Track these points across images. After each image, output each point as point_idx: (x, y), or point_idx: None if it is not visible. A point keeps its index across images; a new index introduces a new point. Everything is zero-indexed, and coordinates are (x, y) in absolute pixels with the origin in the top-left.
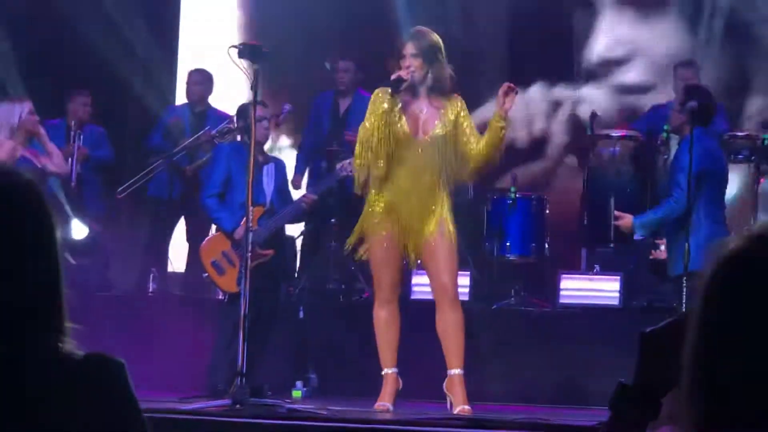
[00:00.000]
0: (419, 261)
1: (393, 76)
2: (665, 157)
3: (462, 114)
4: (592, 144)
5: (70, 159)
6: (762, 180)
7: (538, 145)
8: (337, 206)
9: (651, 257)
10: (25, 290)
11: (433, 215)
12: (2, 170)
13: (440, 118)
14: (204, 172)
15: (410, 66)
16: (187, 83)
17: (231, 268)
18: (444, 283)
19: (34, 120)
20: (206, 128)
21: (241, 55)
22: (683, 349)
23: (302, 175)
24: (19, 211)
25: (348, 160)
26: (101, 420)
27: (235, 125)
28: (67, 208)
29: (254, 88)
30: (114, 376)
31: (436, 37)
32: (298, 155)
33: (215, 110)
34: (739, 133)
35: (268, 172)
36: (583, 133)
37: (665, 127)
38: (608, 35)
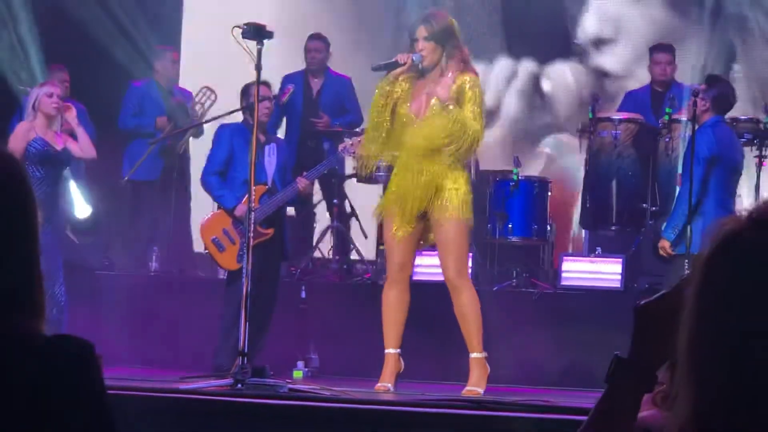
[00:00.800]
0: (421, 242)
1: (393, 59)
2: (666, 139)
3: (468, 87)
4: (593, 127)
5: None
6: (765, 163)
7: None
8: (339, 186)
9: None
10: (3, 270)
11: (440, 194)
12: None
13: (444, 92)
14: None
15: (423, 50)
16: (159, 61)
17: (231, 245)
18: (447, 266)
19: (50, 103)
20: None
21: (245, 35)
22: (677, 321)
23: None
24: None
25: (350, 141)
26: (67, 402)
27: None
28: (73, 188)
29: (258, 68)
30: (81, 359)
31: (449, 20)
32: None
33: (180, 88)
34: (742, 117)
35: (269, 151)
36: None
37: (667, 110)
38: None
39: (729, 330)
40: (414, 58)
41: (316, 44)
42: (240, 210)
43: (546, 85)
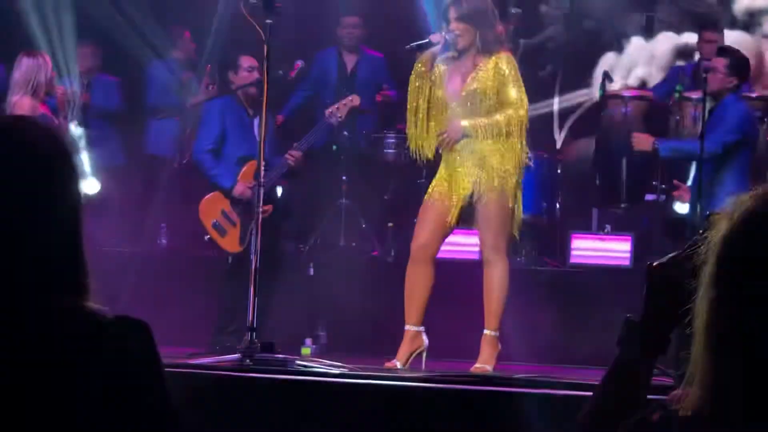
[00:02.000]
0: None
1: (426, 39)
2: (677, 118)
3: (505, 66)
4: (603, 104)
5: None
6: None
7: None
8: (348, 163)
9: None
10: (48, 247)
11: (481, 171)
12: (28, 123)
13: (478, 73)
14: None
15: (455, 30)
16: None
17: (232, 227)
18: (485, 242)
19: (53, 77)
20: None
21: (254, 10)
22: (688, 284)
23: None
24: (45, 163)
25: (336, 106)
26: (126, 380)
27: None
28: (84, 162)
29: (267, 42)
30: (140, 339)
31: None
32: (286, 105)
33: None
34: (753, 95)
35: (258, 124)
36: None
37: (677, 88)
38: None
39: (748, 306)
40: (447, 38)
41: (352, 20)
42: (238, 189)
43: None
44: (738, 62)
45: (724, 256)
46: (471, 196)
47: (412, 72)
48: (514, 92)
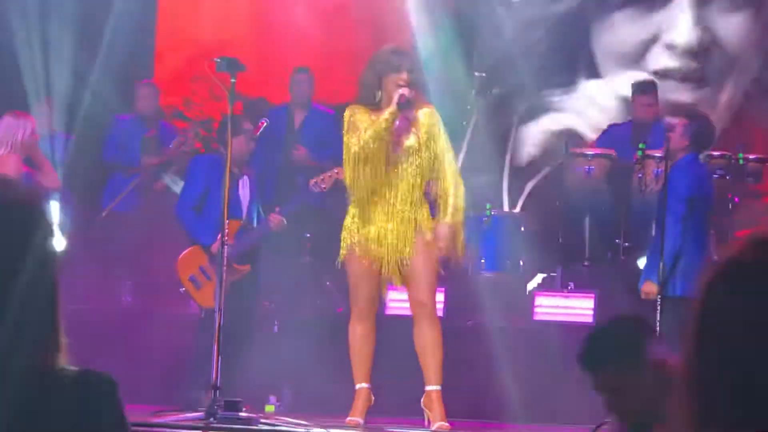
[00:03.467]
0: (393, 278)
1: (400, 98)
2: (640, 175)
3: (435, 121)
4: (566, 162)
5: None
6: (737, 199)
7: None
8: (311, 221)
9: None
10: (25, 304)
11: (413, 230)
12: (8, 185)
13: (414, 129)
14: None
15: (407, 82)
16: (139, 96)
17: (208, 282)
18: (423, 300)
19: (36, 139)
20: (174, 141)
21: (218, 68)
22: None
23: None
24: (23, 225)
25: (321, 177)
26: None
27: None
28: (54, 219)
29: (231, 100)
30: (106, 394)
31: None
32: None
33: (166, 124)
34: (715, 153)
35: (243, 184)
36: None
37: (641, 146)
38: None
39: (732, 353)
40: (401, 90)
41: (302, 76)
42: (216, 247)
43: None
44: (699, 128)
45: (708, 302)
46: (403, 252)
47: (350, 126)
48: (449, 155)
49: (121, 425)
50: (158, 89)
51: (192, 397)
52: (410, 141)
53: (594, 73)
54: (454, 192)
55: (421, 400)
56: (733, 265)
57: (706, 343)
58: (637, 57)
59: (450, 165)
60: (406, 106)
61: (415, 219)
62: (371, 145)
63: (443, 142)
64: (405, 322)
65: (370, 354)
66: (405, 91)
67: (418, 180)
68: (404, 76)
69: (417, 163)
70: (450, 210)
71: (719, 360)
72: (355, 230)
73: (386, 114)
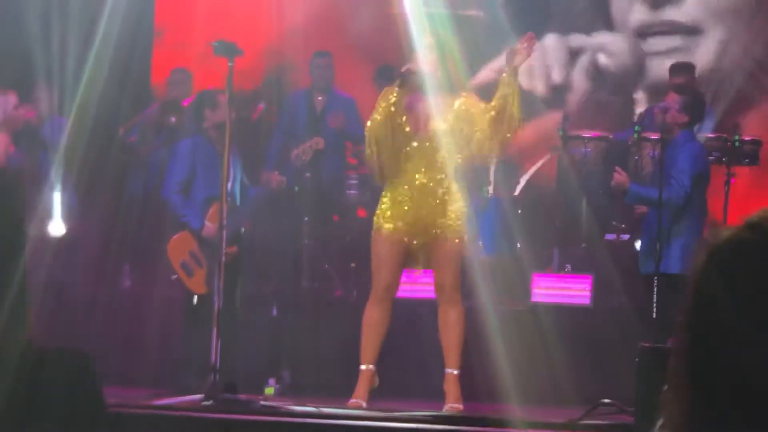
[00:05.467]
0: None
1: (403, 69)
2: (636, 157)
3: (470, 105)
4: (563, 145)
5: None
6: (733, 181)
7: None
8: (309, 204)
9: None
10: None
11: (440, 212)
12: None
13: (443, 112)
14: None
15: (425, 58)
16: (169, 82)
17: (199, 269)
18: (444, 282)
19: (19, 114)
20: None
21: (216, 52)
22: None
23: (272, 171)
24: None
25: (300, 148)
26: (68, 410)
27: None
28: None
29: (229, 84)
30: (82, 370)
31: (446, 34)
32: (268, 152)
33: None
34: (711, 135)
35: (229, 164)
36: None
37: (636, 128)
38: None
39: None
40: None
41: (323, 60)
42: (207, 230)
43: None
44: (693, 101)
45: (703, 283)
46: (429, 235)
47: (379, 102)
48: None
49: (97, 400)
50: (190, 74)
51: (191, 380)
52: (437, 123)
53: None
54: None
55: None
56: (730, 245)
57: (699, 323)
58: None
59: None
60: (413, 81)
61: (445, 200)
62: (380, 126)
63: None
64: (415, 306)
65: (381, 337)
66: (410, 65)
67: (449, 161)
68: (425, 41)
69: (446, 144)
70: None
71: (712, 341)
72: (384, 210)
73: (393, 93)
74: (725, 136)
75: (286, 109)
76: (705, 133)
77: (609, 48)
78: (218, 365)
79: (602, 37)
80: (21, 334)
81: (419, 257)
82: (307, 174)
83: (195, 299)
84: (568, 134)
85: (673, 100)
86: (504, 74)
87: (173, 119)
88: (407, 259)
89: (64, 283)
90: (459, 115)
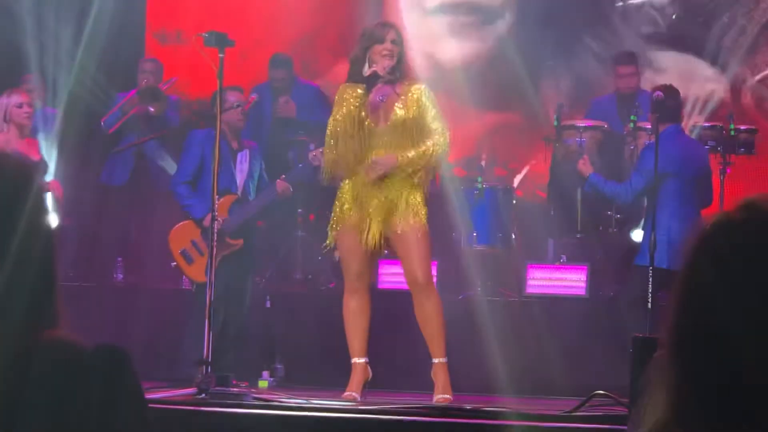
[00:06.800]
0: (386, 251)
1: (368, 71)
2: (632, 147)
3: (426, 97)
4: (558, 135)
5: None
6: (729, 170)
7: None
8: (303, 197)
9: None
10: (25, 279)
11: (400, 203)
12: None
13: (402, 102)
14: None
15: (392, 52)
16: (140, 71)
17: (200, 257)
18: (414, 272)
19: (21, 113)
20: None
21: (207, 43)
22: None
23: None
24: (14, 198)
25: (320, 149)
26: (108, 409)
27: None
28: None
29: (220, 75)
30: (121, 367)
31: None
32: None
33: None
34: (707, 124)
35: (241, 158)
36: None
37: (632, 118)
38: None
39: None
40: (384, 61)
41: (280, 73)
42: (209, 221)
43: None
44: (674, 96)
45: (696, 261)
46: (390, 227)
47: (338, 101)
48: (438, 121)
49: (138, 398)
50: (161, 65)
51: (185, 372)
52: (398, 114)
53: None
54: (430, 143)
55: (431, 372)
56: (724, 224)
57: (690, 313)
58: None
59: (437, 130)
60: (382, 80)
61: (404, 191)
62: (342, 123)
63: (433, 114)
64: (398, 296)
65: (365, 328)
66: (377, 67)
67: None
68: (388, 45)
69: (406, 135)
70: (407, 156)
71: (703, 331)
72: (342, 205)
73: (354, 93)
74: (720, 125)
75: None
76: (700, 122)
77: None
78: (210, 358)
79: None
80: (52, 330)
81: (381, 244)
82: (299, 165)
83: (194, 287)
84: (563, 124)
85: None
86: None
87: (152, 109)
88: (379, 247)
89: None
90: (418, 105)
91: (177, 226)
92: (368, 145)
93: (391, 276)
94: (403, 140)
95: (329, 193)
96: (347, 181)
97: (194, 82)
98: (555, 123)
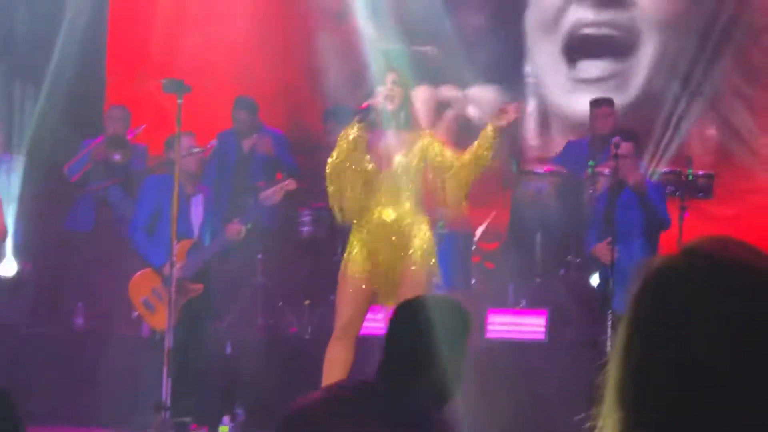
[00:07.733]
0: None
1: (363, 105)
2: (591, 191)
3: (434, 145)
4: (517, 180)
5: None
6: (687, 214)
7: None
8: (262, 241)
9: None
10: None
11: (407, 250)
12: None
13: (406, 147)
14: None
15: (391, 93)
16: (107, 117)
17: (161, 304)
18: None
19: None
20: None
21: (165, 89)
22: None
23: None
24: None
25: (271, 189)
26: None
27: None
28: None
29: (178, 120)
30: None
31: (404, 70)
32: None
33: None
34: (666, 169)
35: (196, 203)
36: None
37: (590, 163)
38: None
39: (661, 361)
40: (383, 103)
41: (244, 115)
42: (168, 269)
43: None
44: (637, 140)
45: (638, 308)
46: (394, 273)
47: (339, 142)
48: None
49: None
50: (129, 112)
51: (144, 419)
52: (400, 159)
53: None
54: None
55: None
56: (665, 271)
57: (634, 354)
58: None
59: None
60: (373, 116)
61: (410, 234)
62: (340, 164)
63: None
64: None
65: (342, 375)
66: (370, 101)
67: (413, 196)
68: (387, 86)
69: (410, 181)
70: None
71: (648, 372)
72: (350, 251)
73: (353, 129)
74: (679, 169)
75: (215, 151)
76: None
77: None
78: (168, 403)
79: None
80: None
81: (381, 298)
82: (251, 206)
83: (156, 336)
84: (522, 169)
85: (627, 148)
86: (488, 128)
87: (117, 156)
88: (371, 300)
89: (14, 324)
90: (427, 158)
91: (137, 275)
92: (372, 188)
93: (371, 324)
94: (406, 185)
95: (285, 236)
96: (354, 223)
97: (162, 124)
98: (514, 168)
